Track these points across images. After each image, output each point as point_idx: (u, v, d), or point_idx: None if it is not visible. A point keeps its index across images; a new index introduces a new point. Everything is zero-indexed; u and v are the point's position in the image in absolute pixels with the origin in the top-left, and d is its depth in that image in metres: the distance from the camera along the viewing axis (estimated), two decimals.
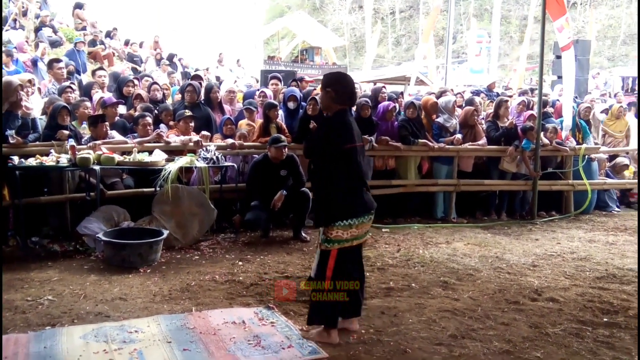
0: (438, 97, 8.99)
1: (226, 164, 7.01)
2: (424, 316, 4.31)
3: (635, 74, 24.37)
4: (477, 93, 10.75)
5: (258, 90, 9.11)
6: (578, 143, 9.19)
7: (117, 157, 6.28)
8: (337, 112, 3.68)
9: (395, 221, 7.77)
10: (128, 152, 6.60)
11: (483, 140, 8.40)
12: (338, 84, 3.69)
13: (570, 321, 4.33)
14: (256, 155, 7.17)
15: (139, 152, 6.51)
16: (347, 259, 3.74)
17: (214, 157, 6.77)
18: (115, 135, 6.86)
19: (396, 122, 8.12)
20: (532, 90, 12.21)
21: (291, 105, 7.91)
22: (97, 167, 6.00)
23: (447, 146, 8.12)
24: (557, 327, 4.18)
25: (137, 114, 7.41)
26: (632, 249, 6.81)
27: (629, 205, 9.80)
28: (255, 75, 14.83)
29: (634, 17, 35.26)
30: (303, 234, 6.79)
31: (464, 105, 8.96)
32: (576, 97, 10.68)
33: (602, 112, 10.75)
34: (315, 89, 8.96)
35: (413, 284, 5.15)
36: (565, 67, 9.05)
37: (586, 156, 9.02)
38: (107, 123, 6.84)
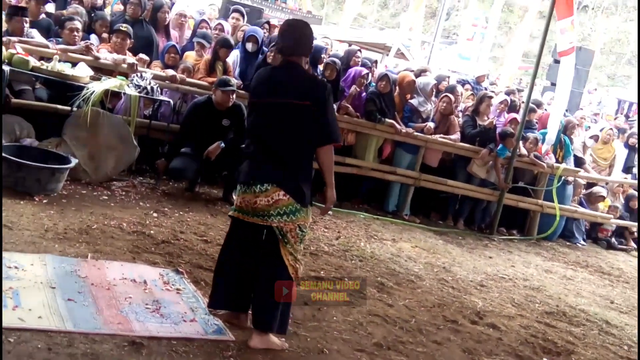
0: (417, 75, 9.03)
1: (161, 97, 6.87)
2: (351, 317, 4.36)
3: (634, 99, 25.25)
4: (463, 83, 10.85)
5: (203, 17, 8.94)
6: (557, 161, 9.43)
7: (33, 62, 6.04)
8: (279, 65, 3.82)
9: (341, 205, 7.82)
10: (47, 59, 6.35)
11: (456, 136, 8.51)
12: (284, 33, 3.75)
13: (507, 353, 4.47)
14: (198, 96, 7.05)
15: (60, 61, 6.28)
16: (231, 232, 3.82)
17: (149, 87, 6.61)
18: (36, 36, 6.58)
19: (364, 93, 8.12)
20: (518, 91, 12.42)
21: (250, 47, 7.78)
22: (6, 68, 5.76)
23: (416, 133, 8.19)
24: (493, 357, 4.32)
25: (66, 15, 7.13)
26: (588, 289, 7.09)
27: (596, 241, 10.16)
28: (217, 3, 14.49)
29: None
30: (234, 197, 6.72)
31: (444, 91, 9.05)
32: (567, 111, 10.92)
33: (591, 137, 11.06)
34: None
35: (346, 279, 5.19)
36: (562, 75, 9.24)
37: (563, 177, 9.29)
38: (27, 19, 6.54)
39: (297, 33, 3.69)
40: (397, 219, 8.15)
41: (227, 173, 6.98)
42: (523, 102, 9.61)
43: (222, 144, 6.55)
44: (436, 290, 5.53)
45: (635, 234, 10.49)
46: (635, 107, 24.81)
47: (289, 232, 3.57)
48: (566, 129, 9.77)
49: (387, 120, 8.00)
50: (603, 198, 10.32)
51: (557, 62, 12.10)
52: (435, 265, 6.40)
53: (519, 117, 8.84)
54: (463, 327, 4.75)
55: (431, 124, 8.33)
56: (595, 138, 11.02)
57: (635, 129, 12.95)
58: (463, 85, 10.51)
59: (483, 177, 8.75)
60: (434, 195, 8.70)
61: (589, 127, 12.47)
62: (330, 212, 6.62)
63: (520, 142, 8.77)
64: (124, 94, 6.50)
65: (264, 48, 7.89)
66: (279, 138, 3.56)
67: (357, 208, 8.09)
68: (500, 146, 8.57)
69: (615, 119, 14.37)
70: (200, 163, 6.58)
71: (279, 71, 3.71)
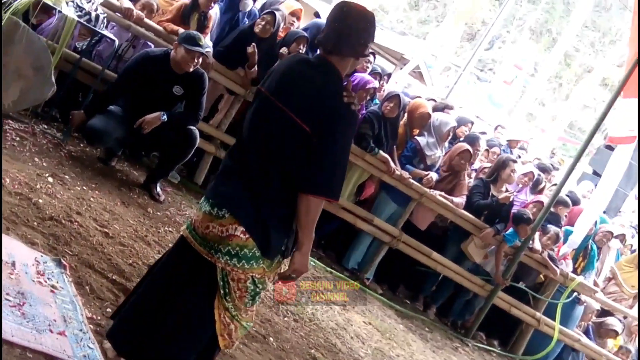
0: (436, 109, 9.12)
1: (105, 32, 6.79)
2: None
3: None
4: (491, 144, 10.89)
5: None
6: (574, 271, 9.58)
7: None
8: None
9: None
10: None
11: (461, 200, 8.60)
12: (331, 19, 3.60)
13: None
14: (153, 46, 6.99)
15: None
16: (172, 253, 3.73)
17: (93, 14, 6.54)
18: None
19: (364, 111, 8.16)
20: (553, 168, 12.60)
21: (242, 5, 7.84)
22: None
23: (412, 180, 8.25)
24: None
25: None
26: None
27: None
28: None
29: None
30: (158, 189, 6.68)
31: (462, 139, 9.13)
32: (604, 213, 11.13)
33: (617, 237, 11.12)
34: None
35: (271, 338, 5.17)
36: (612, 166, 9.42)
37: (575, 293, 9.41)
38: None
39: (346, 23, 3.46)
40: (355, 279, 8.15)
41: (158, 156, 6.90)
42: (554, 184, 9.76)
43: (164, 117, 6.49)
44: None
45: None
46: None
47: (236, 282, 3.47)
48: (596, 236, 9.94)
49: (382, 153, 8.04)
50: (616, 334, 10.47)
51: (609, 147, 12.35)
52: (387, 355, 6.41)
53: (545, 201, 8.96)
54: None
55: (434, 175, 8.41)
56: (622, 239, 11.17)
57: None
58: (491, 146, 10.60)
59: (478, 262, 8.83)
60: (409, 265, 8.73)
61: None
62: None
63: (537, 234, 8.88)
64: (59, 12, 6.41)
65: (255, 10, 7.94)
66: (264, 154, 3.42)
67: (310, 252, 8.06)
68: (510, 230, 8.67)
69: None
70: (127, 131, 6.49)
71: (305, 67, 3.54)
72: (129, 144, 6.81)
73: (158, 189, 6.71)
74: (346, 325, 6.50)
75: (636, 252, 11.41)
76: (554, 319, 9.30)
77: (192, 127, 6.69)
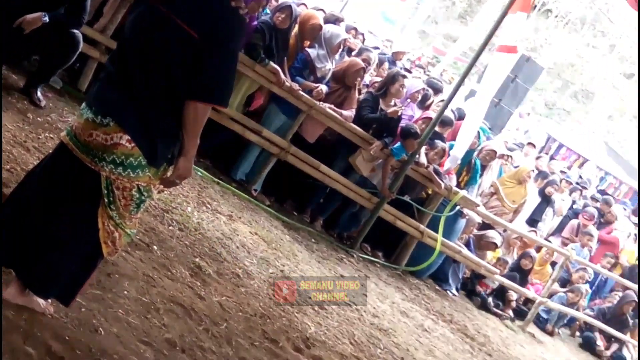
0: (327, 21, 9.05)
1: None
2: (147, 297, 4.31)
3: (566, 142, 26.82)
4: (382, 59, 10.97)
5: None
6: (458, 185, 9.81)
7: None
8: None
9: None
10: None
11: (350, 113, 8.63)
12: None
13: None
14: None
15: None
16: (51, 159, 3.63)
17: None
18: None
19: (255, 22, 8.03)
20: (442, 84, 12.72)
21: None
22: None
23: (302, 92, 8.21)
24: None
25: None
26: (444, 349, 7.47)
27: (470, 295, 10.69)
28: None
29: (612, 67, 38.37)
30: (39, 94, 6.45)
31: (356, 53, 9.12)
32: (490, 130, 11.39)
33: (501, 156, 11.44)
34: None
35: (155, 247, 5.14)
36: (489, 75, 9.57)
37: (458, 207, 9.67)
38: None
39: None
40: (242, 191, 8.15)
41: (38, 59, 6.66)
42: (442, 100, 9.89)
43: (45, 17, 6.23)
44: (264, 297, 5.59)
45: (514, 303, 11.14)
46: (564, 150, 26.42)
47: (121, 190, 3.41)
48: (481, 152, 10.17)
49: (272, 64, 7.96)
50: (495, 246, 10.87)
51: None
52: (273, 265, 6.46)
53: (433, 116, 9.07)
54: (283, 352, 4.83)
55: (324, 88, 8.38)
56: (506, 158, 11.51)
57: (556, 177, 13.73)
58: (382, 61, 10.66)
59: (365, 175, 8.92)
60: (297, 176, 8.76)
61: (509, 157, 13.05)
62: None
63: (424, 148, 9.02)
64: None
65: None
66: (150, 63, 3.34)
67: (196, 161, 7.99)
68: (398, 144, 8.77)
69: (537, 157, 15.09)
70: (5, 30, 6.20)
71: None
72: (6, 45, 6.51)
73: (38, 94, 6.49)
74: (232, 235, 6.51)
75: (518, 168, 11.76)
76: (437, 231, 9.54)
77: (75, 31, 6.47)
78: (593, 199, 16.03)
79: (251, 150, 8.46)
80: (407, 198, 9.35)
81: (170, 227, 5.73)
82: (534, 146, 16.10)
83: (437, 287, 9.95)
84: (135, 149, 3.35)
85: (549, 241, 12.66)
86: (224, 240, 6.26)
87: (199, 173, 7.69)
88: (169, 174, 3.54)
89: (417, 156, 8.94)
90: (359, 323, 6.49)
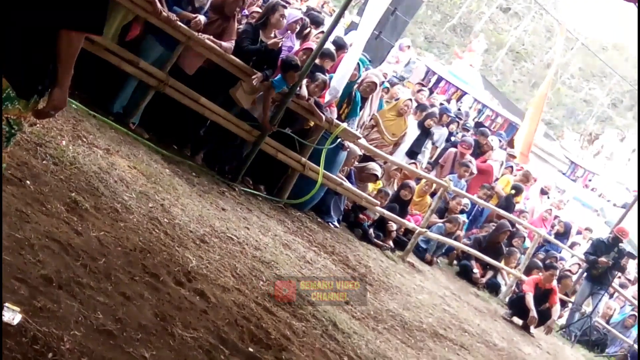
0: None
1: None
2: (20, 233, 4.19)
3: (445, 75, 27.36)
4: None
5: None
6: (339, 118, 9.86)
7: None
8: None
9: None
10: None
11: (229, 44, 8.51)
12: None
13: (208, 331, 4.63)
14: None
15: None
16: None
17: None
18: None
19: None
20: (320, 20, 12.69)
21: None
22: None
23: (179, 23, 8.03)
24: (189, 331, 4.43)
25: None
26: (318, 276, 7.56)
27: (351, 227, 10.86)
28: None
29: (490, 1, 39.08)
30: None
31: None
32: (370, 62, 11.46)
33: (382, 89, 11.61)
34: None
35: (28, 182, 4.99)
36: (371, 8, 9.61)
37: (339, 139, 9.74)
38: None
39: None
40: (120, 125, 7.96)
41: None
42: (322, 31, 9.88)
43: None
44: (144, 231, 5.53)
45: (394, 233, 11.40)
46: (443, 83, 26.96)
47: None
48: (362, 84, 10.24)
49: None
50: (376, 178, 11.06)
51: None
52: (153, 199, 6.38)
53: (314, 46, 9.04)
54: (164, 286, 4.80)
55: (203, 18, 8.23)
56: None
57: (435, 110, 14.02)
58: None
59: (246, 108, 8.86)
60: (178, 109, 8.61)
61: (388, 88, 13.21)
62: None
63: (304, 81, 9.01)
64: None
65: None
66: None
67: (71, 93, 7.74)
68: (278, 77, 8.73)
69: (417, 91, 15.35)
70: None
71: None
72: None
73: None
74: (110, 169, 6.37)
75: (398, 101, 11.93)
76: (318, 164, 9.61)
77: None
78: (470, 129, 16.47)
79: (128, 83, 8.25)
80: (288, 131, 9.35)
81: (44, 162, 5.55)
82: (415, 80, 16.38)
83: (319, 220, 10.07)
84: (4, 81, 3.20)
85: (428, 172, 12.97)
86: (101, 174, 6.11)
87: (73, 106, 7.46)
88: (40, 106, 3.41)
89: (298, 88, 8.93)
90: (241, 256, 6.51)
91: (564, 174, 35.35)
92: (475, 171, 13.99)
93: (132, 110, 8.30)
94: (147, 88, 8.28)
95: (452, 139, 15.11)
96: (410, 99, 12.55)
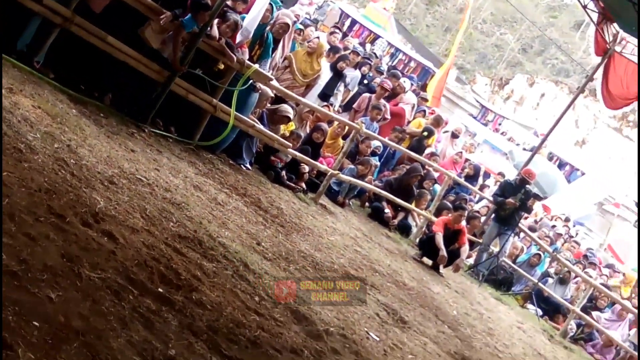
0: None
1: None
2: None
3: (359, 18, 27.40)
4: None
5: None
6: (251, 59, 9.79)
7: None
8: None
9: None
10: None
11: None
12: None
13: (117, 272, 4.61)
14: None
15: None
16: None
17: None
18: None
19: None
20: None
21: None
22: None
23: None
24: (97, 272, 4.40)
25: None
26: (237, 222, 7.61)
27: (264, 168, 10.84)
28: None
29: None
30: None
31: None
32: (282, 3, 11.35)
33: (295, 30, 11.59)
34: None
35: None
36: None
37: (251, 81, 9.67)
38: None
39: None
40: (24, 64, 7.73)
41: None
42: None
43: None
44: (49, 172, 5.43)
45: (307, 175, 11.46)
46: (357, 27, 27.01)
47: None
48: (274, 26, 10.17)
49: None
50: (288, 120, 11.05)
51: None
52: (59, 139, 6.25)
53: None
54: (71, 227, 4.75)
55: None
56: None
57: (347, 53, 14.05)
58: None
59: (155, 48, 8.71)
60: (85, 50, 8.40)
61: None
62: None
63: (215, 21, 8.89)
64: None
65: None
66: None
67: None
68: (188, 16, 8.58)
69: (331, 33, 15.30)
70: None
71: None
72: None
73: None
74: (13, 108, 6.19)
75: (311, 42, 11.90)
76: (230, 105, 9.54)
77: None
78: (383, 72, 16.57)
79: (32, 20, 7.99)
80: (199, 72, 9.25)
81: None
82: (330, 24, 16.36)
83: (231, 162, 10.04)
84: None
85: (341, 115, 13.04)
86: (4, 114, 5.93)
87: None
88: None
89: (209, 29, 8.81)
90: (150, 197, 6.46)
91: (475, 117, 36.00)
92: (388, 116, 14.15)
93: (37, 48, 8.05)
94: (52, 26, 8.03)
95: (365, 81, 15.18)
96: (321, 39, 12.53)
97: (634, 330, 14.66)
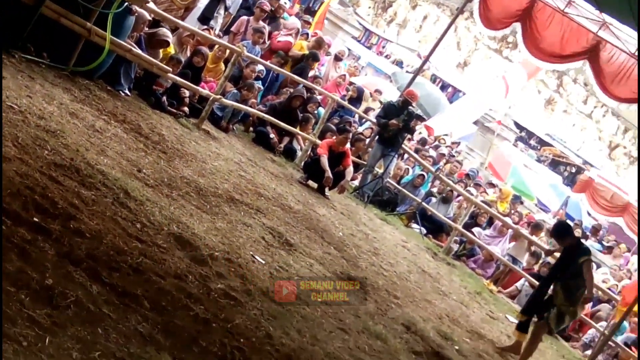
0: None
1: None
2: None
3: None
4: None
5: None
6: None
7: None
8: None
9: None
10: None
11: None
12: None
13: None
14: None
15: None
16: None
17: None
18: None
19: None
20: None
21: None
22: None
23: None
24: None
25: None
26: (117, 149, 7.48)
27: (144, 94, 10.56)
28: None
29: None
30: None
31: None
32: None
33: None
34: None
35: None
36: None
37: (126, 3, 9.37)
38: None
39: None
40: None
41: None
42: None
43: None
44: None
45: (188, 100, 11.29)
46: None
47: None
48: None
49: None
50: (167, 44, 10.81)
51: None
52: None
53: None
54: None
55: None
56: None
57: None
58: None
59: None
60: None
61: None
62: None
63: None
64: None
65: None
66: None
67: None
68: None
69: None
70: None
71: None
72: None
73: None
74: None
75: None
76: (105, 29, 9.24)
77: None
78: None
79: None
80: None
81: None
82: None
83: (109, 88, 9.75)
84: None
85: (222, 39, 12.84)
86: None
87: None
88: None
89: None
90: (23, 125, 6.26)
91: (358, 41, 36.06)
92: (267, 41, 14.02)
93: None
94: None
95: (247, 6, 14.95)
96: None
97: (514, 244, 15.27)
